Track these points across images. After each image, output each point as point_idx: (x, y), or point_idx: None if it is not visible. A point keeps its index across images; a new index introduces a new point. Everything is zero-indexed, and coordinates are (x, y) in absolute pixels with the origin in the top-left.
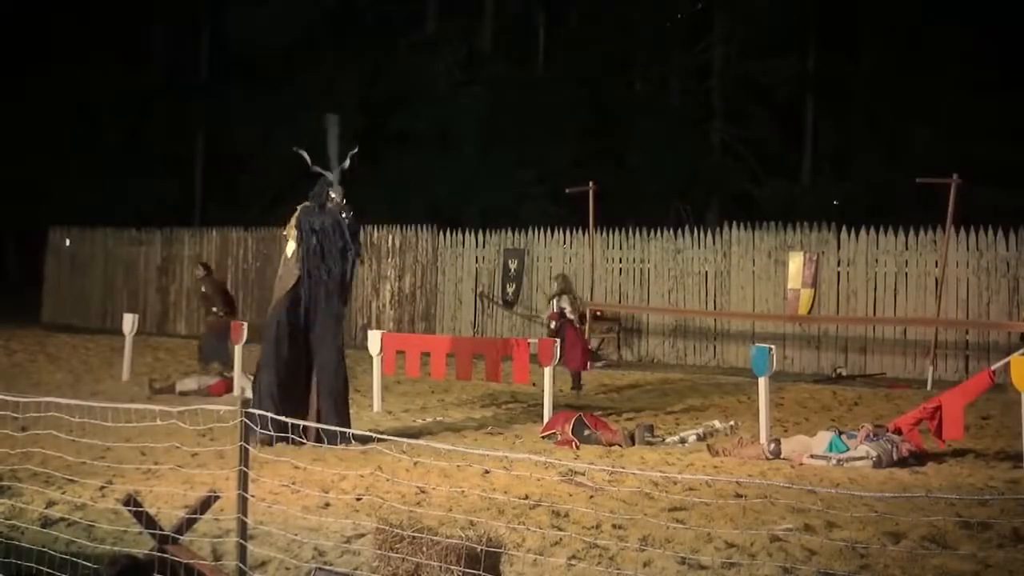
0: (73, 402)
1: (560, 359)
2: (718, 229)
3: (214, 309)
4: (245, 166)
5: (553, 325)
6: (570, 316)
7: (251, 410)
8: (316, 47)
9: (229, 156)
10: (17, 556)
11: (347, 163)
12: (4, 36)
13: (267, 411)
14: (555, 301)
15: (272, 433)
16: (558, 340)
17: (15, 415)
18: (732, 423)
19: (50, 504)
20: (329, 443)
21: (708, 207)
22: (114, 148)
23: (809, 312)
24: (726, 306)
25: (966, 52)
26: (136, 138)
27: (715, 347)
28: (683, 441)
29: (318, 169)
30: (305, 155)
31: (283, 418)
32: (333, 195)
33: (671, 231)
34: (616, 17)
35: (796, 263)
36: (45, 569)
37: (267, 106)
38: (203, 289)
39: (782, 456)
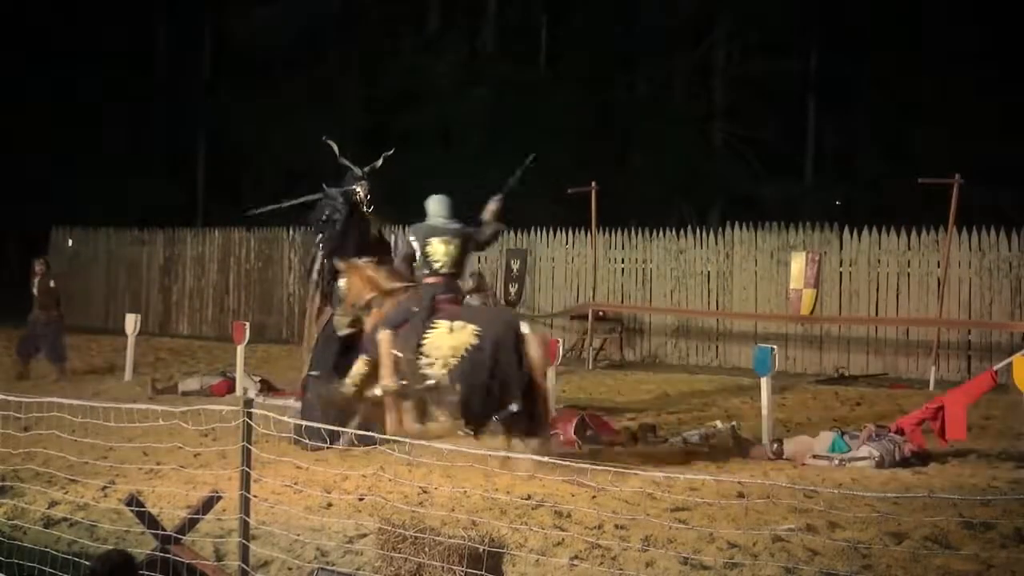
0: (75, 402)
1: None
2: (720, 229)
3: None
4: (247, 166)
5: None
6: None
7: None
8: (318, 47)
9: (231, 156)
10: (20, 556)
11: (380, 162)
12: (4, 35)
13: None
14: (467, 299)
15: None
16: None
17: (17, 415)
18: (734, 423)
19: (52, 504)
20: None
21: (710, 207)
22: (116, 147)
23: (811, 312)
24: (728, 306)
25: (969, 52)
26: (138, 137)
27: (717, 347)
28: (685, 441)
29: (346, 162)
30: (334, 145)
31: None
32: (358, 190)
33: (673, 231)
34: (618, 17)
35: (798, 263)
36: (48, 569)
37: (269, 106)
38: (52, 284)
39: (784, 456)
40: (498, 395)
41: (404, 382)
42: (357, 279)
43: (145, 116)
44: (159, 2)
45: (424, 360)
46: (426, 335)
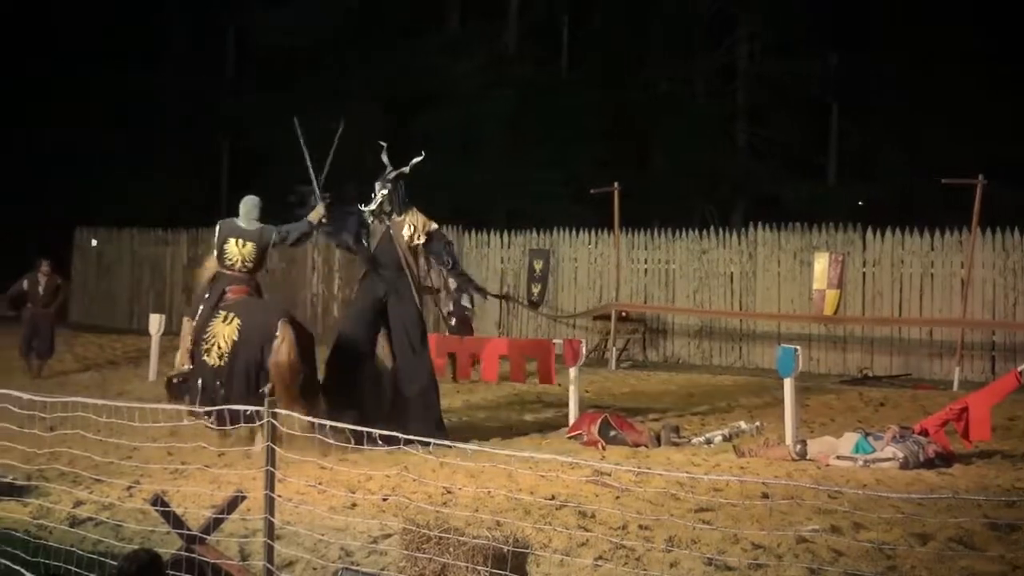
0: (100, 402)
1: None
2: (743, 230)
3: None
4: (268, 166)
5: (453, 322)
6: (468, 313)
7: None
8: (340, 47)
9: (253, 156)
10: (45, 556)
11: (407, 168)
12: (29, 38)
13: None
14: (457, 297)
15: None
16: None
17: (43, 415)
18: (758, 424)
19: (78, 504)
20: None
21: (733, 208)
22: (139, 147)
23: (835, 313)
24: (752, 307)
25: (991, 51)
26: (161, 137)
27: (741, 348)
28: (709, 442)
29: (385, 160)
30: (383, 144)
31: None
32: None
33: (696, 232)
34: (640, 17)
35: (822, 264)
36: (73, 569)
37: (290, 105)
38: (59, 284)
39: (808, 457)
40: (255, 383)
41: (191, 366)
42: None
43: (168, 116)
44: (181, 2)
45: (203, 347)
46: (209, 324)
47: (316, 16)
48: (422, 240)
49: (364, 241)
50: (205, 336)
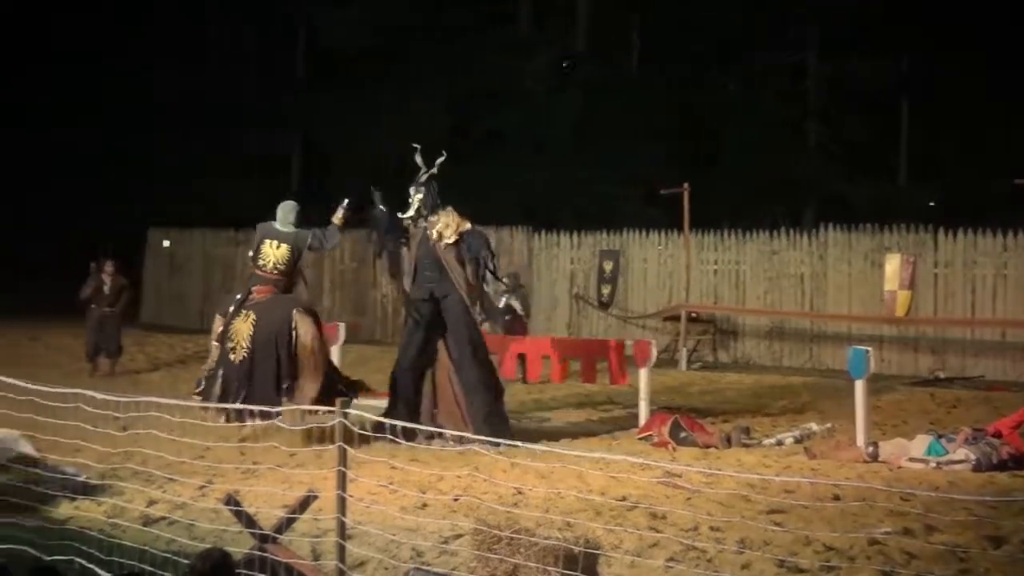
0: (173, 401)
1: None
2: (814, 231)
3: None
4: (336, 166)
5: (506, 319)
6: (520, 312)
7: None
8: (407, 46)
9: (323, 155)
10: (119, 554)
11: (436, 165)
12: (102, 36)
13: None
14: (505, 298)
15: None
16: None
17: (116, 415)
18: (829, 425)
19: (151, 503)
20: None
21: (804, 208)
22: (210, 148)
23: (906, 314)
24: (822, 308)
25: None
26: (232, 138)
27: (811, 349)
28: (780, 443)
29: (420, 161)
30: (416, 147)
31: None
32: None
33: (766, 233)
34: (710, 17)
35: (893, 265)
36: (147, 568)
37: (358, 106)
38: (124, 283)
39: (880, 459)
40: (274, 376)
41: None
42: None
43: (239, 117)
44: (252, 2)
45: (228, 344)
46: (232, 323)
47: (384, 15)
48: (452, 240)
49: (404, 246)
50: (229, 334)
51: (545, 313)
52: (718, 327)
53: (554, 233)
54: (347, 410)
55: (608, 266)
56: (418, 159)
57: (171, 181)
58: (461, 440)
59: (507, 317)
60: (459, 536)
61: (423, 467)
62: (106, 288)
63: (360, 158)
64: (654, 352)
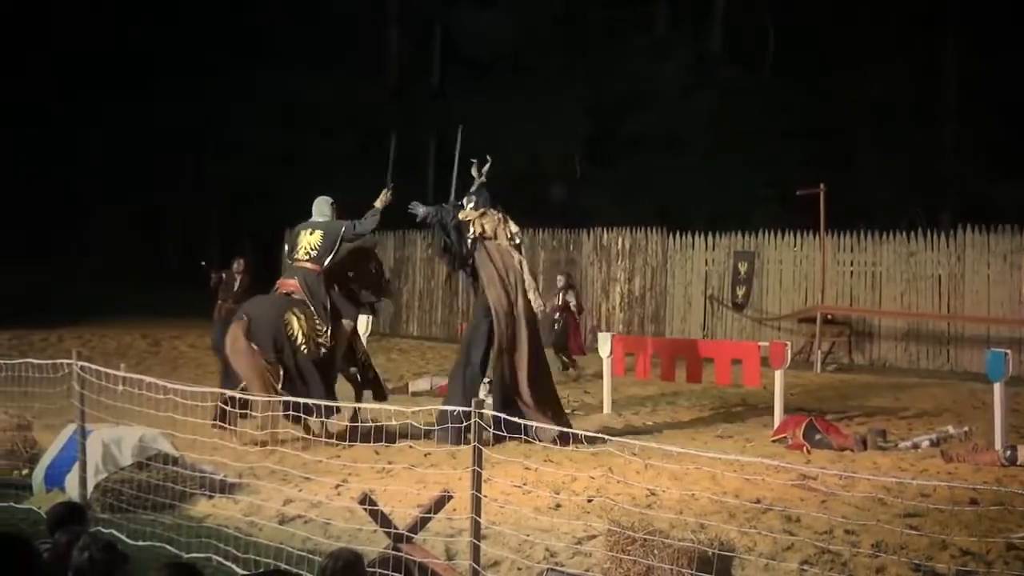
0: (310, 401)
1: (563, 345)
2: (952, 232)
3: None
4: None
5: (557, 316)
6: (573, 309)
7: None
8: (545, 49)
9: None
10: (256, 552)
11: (484, 173)
12: (234, 40)
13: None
14: (561, 295)
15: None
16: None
17: (253, 413)
18: (966, 429)
19: (287, 502)
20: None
21: (941, 209)
22: (346, 149)
23: None
24: (960, 310)
25: None
26: (368, 139)
27: (948, 351)
28: (916, 446)
29: (474, 172)
30: (474, 162)
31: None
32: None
33: (903, 234)
34: (845, 16)
35: None
36: (283, 565)
37: (495, 109)
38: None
39: (1018, 463)
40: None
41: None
42: None
43: (375, 119)
44: (391, 6)
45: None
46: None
47: (522, 18)
48: (478, 231)
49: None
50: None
51: (680, 315)
52: (854, 329)
53: (688, 234)
54: (482, 410)
55: (743, 267)
56: (474, 171)
57: (305, 182)
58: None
59: (557, 315)
60: (592, 537)
61: (557, 468)
62: (236, 284)
63: (500, 161)
64: (789, 354)
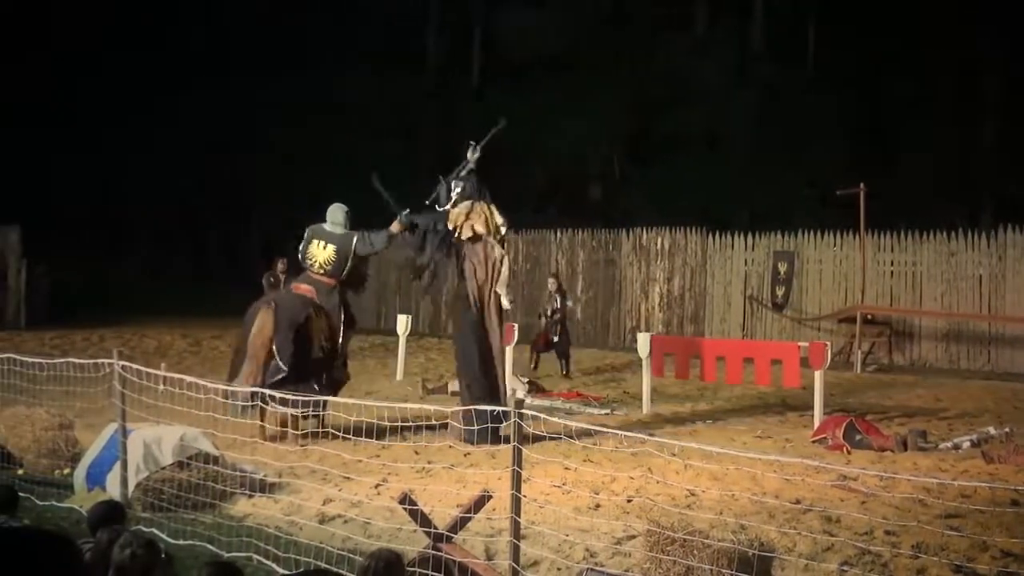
0: (349, 401)
1: (564, 350)
2: (993, 232)
3: None
4: (513, 168)
5: (556, 317)
6: (559, 307)
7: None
8: (585, 49)
9: (497, 158)
10: (296, 551)
11: (473, 160)
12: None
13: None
14: (558, 299)
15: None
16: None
17: (293, 412)
18: (1007, 429)
19: (327, 501)
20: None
21: (982, 209)
22: (389, 151)
23: None
24: (1001, 310)
25: None
26: (408, 140)
27: (989, 352)
28: (957, 447)
29: (468, 155)
30: (472, 143)
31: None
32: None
33: (944, 234)
34: (886, 15)
35: None
36: (323, 565)
37: (534, 108)
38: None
39: None
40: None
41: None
42: None
43: (416, 119)
44: (432, 6)
45: None
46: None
47: (561, 18)
48: (467, 236)
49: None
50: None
51: (719, 315)
52: (894, 329)
53: (728, 234)
54: (522, 410)
55: (783, 267)
56: (468, 153)
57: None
58: (635, 441)
59: (557, 319)
60: (632, 537)
61: (596, 468)
62: (281, 283)
63: (538, 159)
64: (829, 354)
